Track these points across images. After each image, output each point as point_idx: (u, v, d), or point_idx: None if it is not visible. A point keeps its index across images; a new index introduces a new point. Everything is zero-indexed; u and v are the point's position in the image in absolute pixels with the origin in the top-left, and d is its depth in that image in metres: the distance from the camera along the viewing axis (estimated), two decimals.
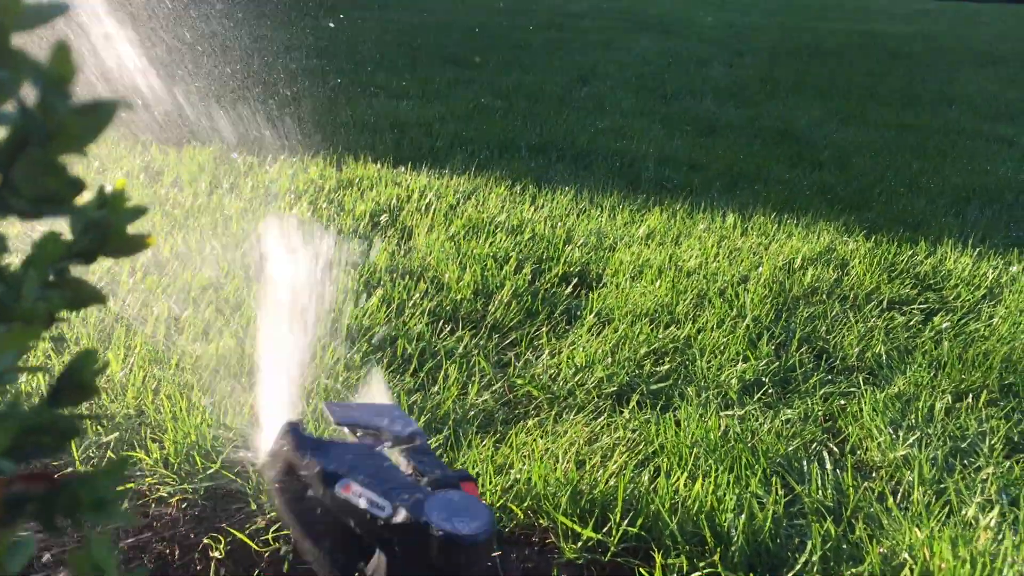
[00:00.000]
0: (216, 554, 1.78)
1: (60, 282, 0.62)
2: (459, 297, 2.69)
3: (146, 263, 2.76)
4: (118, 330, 2.32)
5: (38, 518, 0.51)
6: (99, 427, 1.94)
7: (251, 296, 2.56)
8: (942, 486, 1.93)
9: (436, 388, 2.20)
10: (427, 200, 3.54)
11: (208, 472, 1.83)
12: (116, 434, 1.93)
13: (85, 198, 0.63)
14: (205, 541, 1.79)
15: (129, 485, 1.85)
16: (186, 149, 3.96)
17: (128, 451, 1.89)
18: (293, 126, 4.61)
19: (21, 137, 0.47)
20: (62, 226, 0.61)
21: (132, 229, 0.67)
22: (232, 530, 1.77)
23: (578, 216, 3.54)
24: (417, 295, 2.67)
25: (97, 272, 2.65)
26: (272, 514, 1.77)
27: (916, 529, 1.73)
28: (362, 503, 1.04)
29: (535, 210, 3.56)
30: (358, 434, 1.25)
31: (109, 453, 1.89)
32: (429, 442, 1.30)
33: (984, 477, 1.97)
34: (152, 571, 1.87)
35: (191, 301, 2.51)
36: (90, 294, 0.64)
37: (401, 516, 1.00)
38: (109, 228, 0.63)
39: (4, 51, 0.45)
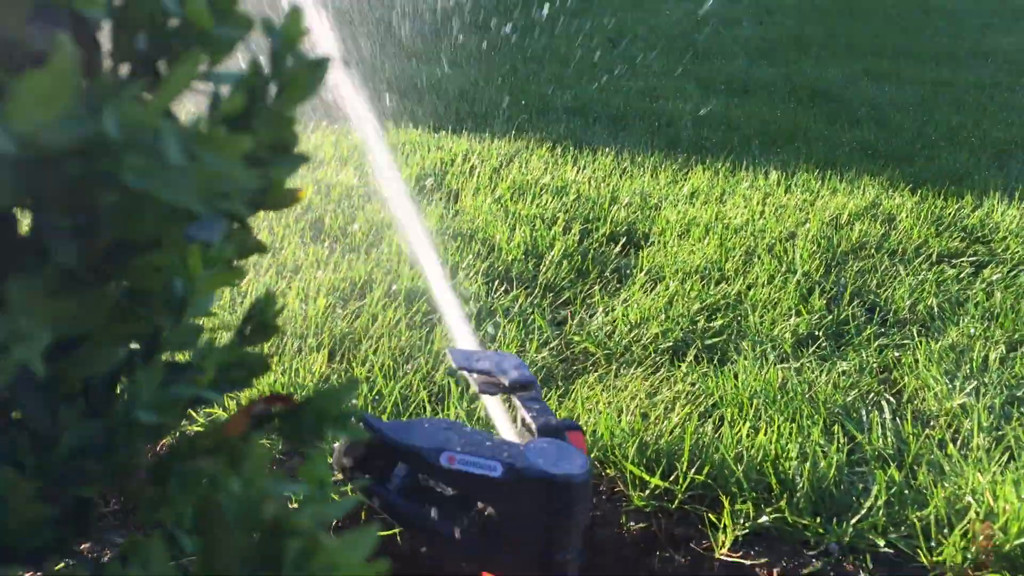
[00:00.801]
0: None
1: (232, 232, 0.66)
2: (510, 258, 2.73)
3: None
4: None
5: (282, 433, 0.55)
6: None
7: (308, 260, 2.62)
8: (1000, 433, 1.96)
9: (495, 346, 2.24)
10: (471, 163, 3.57)
11: None
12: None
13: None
14: None
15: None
16: None
17: (205, 407, 1.95)
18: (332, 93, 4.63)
19: (253, 90, 0.51)
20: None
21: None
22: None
23: (621, 176, 3.56)
24: (470, 256, 2.71)
25: None
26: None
27: (978, 474, 1.77)
28: (470, 469, 1.09)
29: (577, 171, 3.59)
30: (475, 378, 1.29)
31: (190, 411, 1.96)
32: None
33: None
34: None
35: (250, 266, 2.57)
36: (254, 244, 0.68)
37: (512, 471, 1.05)
38: (269, 181, 0.66)
39: (231, 12, 0.49)
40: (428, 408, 1.96)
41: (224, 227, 0.54)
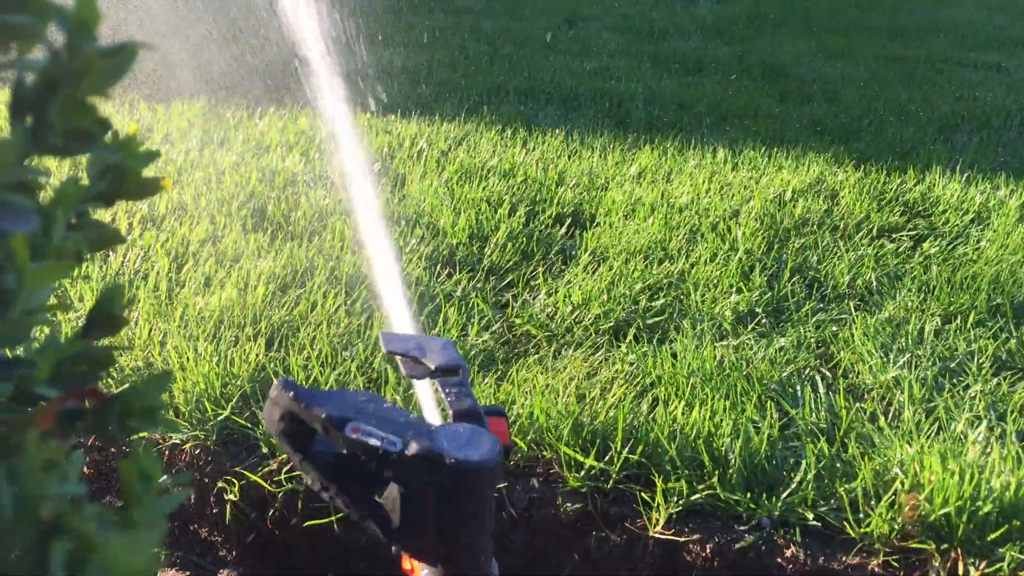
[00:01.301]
0: (231, 496, 1.84)
1: (82, 224, 0.65)
2: (455, 241, 2.73)
3: (144, 219, 2.78)
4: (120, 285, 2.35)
5: (92, 430, 0.55)
6: (110, 379, 1.98)
7: (248, 248, 2.59)
8: (932, 405, 1.99)
9: (436, 330, 2.24)
10: (418, 147, 3.55)
11: (219, 419, 1.88)
12: (126, 386, 1.97)
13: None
14: (220, 484, 1.85)
15: (143, 434, 1.90)
16: (174, 105, 3.96)
17: None
18: (279, 78, 4.59)
19: (51, 79, 0.50)
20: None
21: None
22: (245, 472, 1.82)
23: (569, 158, 3.56)
24: (414, 240, 2.70)
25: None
26: (283, 456, 1.83)
27: (907, 445, 1.79)
28: (373, 441, 1.08)
29: (526, 153, 3.58)
30: (400, 360, 1.29)
31: None
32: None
33: (973, 395, 2.03)
34: (169, 516, 1.93)
35: (190, 255, 2.54)
36: (110, 235, 0.67)
37: (413, 449, 1.05)
38: (125, 171, 0.66)
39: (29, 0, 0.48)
40: None
41: (35, 220, 0.53)
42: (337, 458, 1.21)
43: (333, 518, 1.77)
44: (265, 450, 1.85)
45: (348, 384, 1.97)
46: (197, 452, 1.88)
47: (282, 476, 1.80)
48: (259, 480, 1.81)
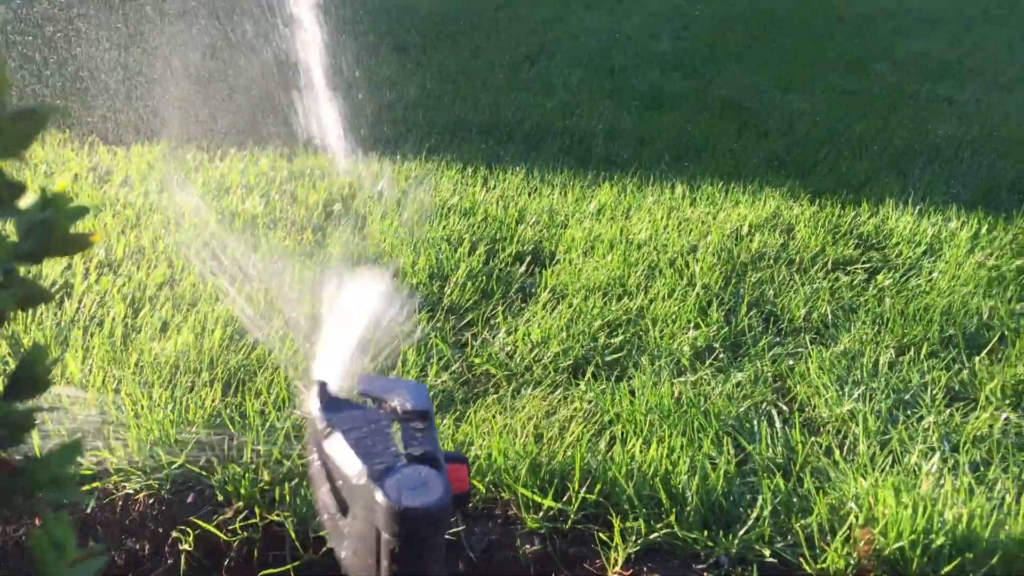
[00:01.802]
0: (186, 546, 1.81)
1: (8, 282, 0.65)
2: (415, 281, 2.73)
3: (100, 264, 2.76)
4: (75, 332, 2.32)
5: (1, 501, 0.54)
6: (62, 429, 1.96)
7: (207, 291, 2.58)
8: (886, 437, 2.01)
9: (394, 372, 2.24)
10: (380, 187, 3.56)
11: (173, 467, 1.86)
12: (79, 435, 1.95)
13: (29, 200, 0.66)
14: (174, 534, 1.82)
15: (95, 484, 1.87)
16: (134, 148, 3.94)
17: (91, 451, 1.91)
18: (241, 120, 4.59)
19: None
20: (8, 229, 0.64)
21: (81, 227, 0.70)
22: (200, 522, 1.80)
23: (530, 195, 3.58)
24: (373, 283, 2.69)
25: (51, 276, 2.65)
26: (239, 504, 1.81)
27: (861, 479, 1.81)
28: (339, 459, 1.09)
29: (487, 191, 3.60)
30: (369, 404, 1.29)
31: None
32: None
33: (926, 426, 2.05)
34: (123, 567, 1.90)
35: (147, 300, 2.52)
36: (39, 293, 0.67)
37: (363, 480, 1.05)
38: (53, 228, 0.66)
39: None
40: None
41: None
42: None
43: (290, 566, 1.75)
44: (220, 498, 1.83)
45: (304, 429, 1.96)
46: (151, 502, 1.85)
47: (237, 525, 1.78)
48: (214, 530, 1.79)
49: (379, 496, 1.03)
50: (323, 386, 1.21)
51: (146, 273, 2.67)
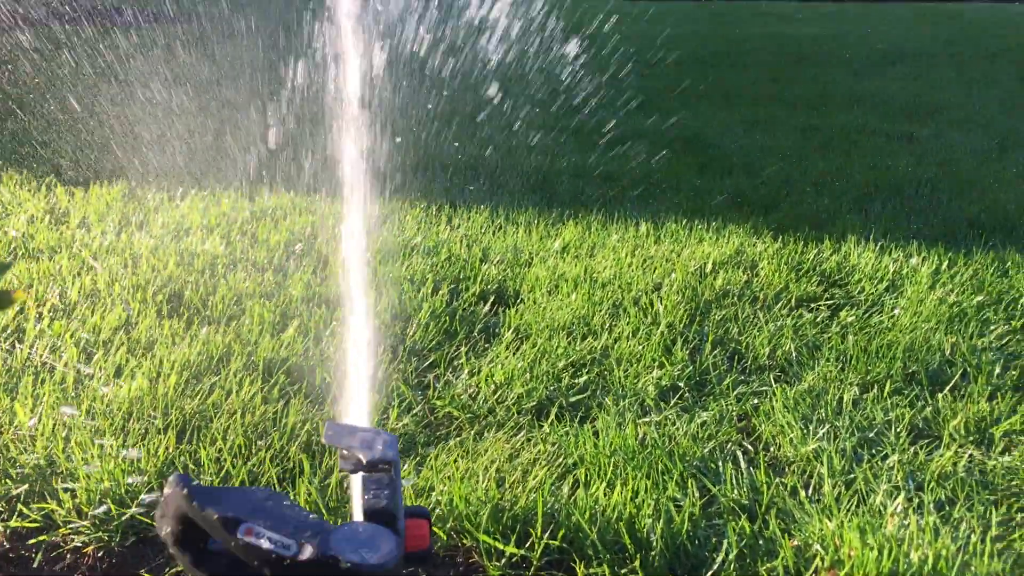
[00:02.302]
0: None
1: None
2: (376, 323, 2.69)
3: (54, 308, 2.70)
4: (25, 379, 2.26)
5: None
6: (7, 480, 1.89)
7: (163, 335, 2.53)
8: (851, 476, 1.99)
9: (352, 417, 2.19)
10: (342, 227, 3.53)
11: (123, 518, 1.80)
12: (26, 486, 1.88)
13: None
14: None
15: (42, 538, 1.81)
16: (92, 189, 3.89)
17: (39, 502, 1.84)
18: (205, 160, 4.55)
19: None
20: None
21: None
22: None
23: (494, 233, 3.57)
24: (335, 323, 2.66)
25: (2, 320, 2.58)
26: None
27: (827, 520, 1.79)
28: (266, 544, 1.04)
29: (451, 230, 3.58)
30: (339, 452, 1.25)
31: (20, 506, 1.84)
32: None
33: (891, 464, 2.04)
34: None
35: (100, 344, 2.47)
36: None
37: (307, 553, 1.01)
38: None
39: None
40: (279, 487, 1.89)
41: None
42: (235, 562, 1.15)
43: None
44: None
45: (260, 477, 1.91)
46: (100, 555, 1.79)
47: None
48: None
49: (344, 563, 0.99)
50: (187, 481, 1.13)
51: (101, 316, 2.61)
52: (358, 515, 1.36)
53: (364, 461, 1.23)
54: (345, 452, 1.26)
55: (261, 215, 3.65)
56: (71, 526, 1.80)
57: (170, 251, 3.15)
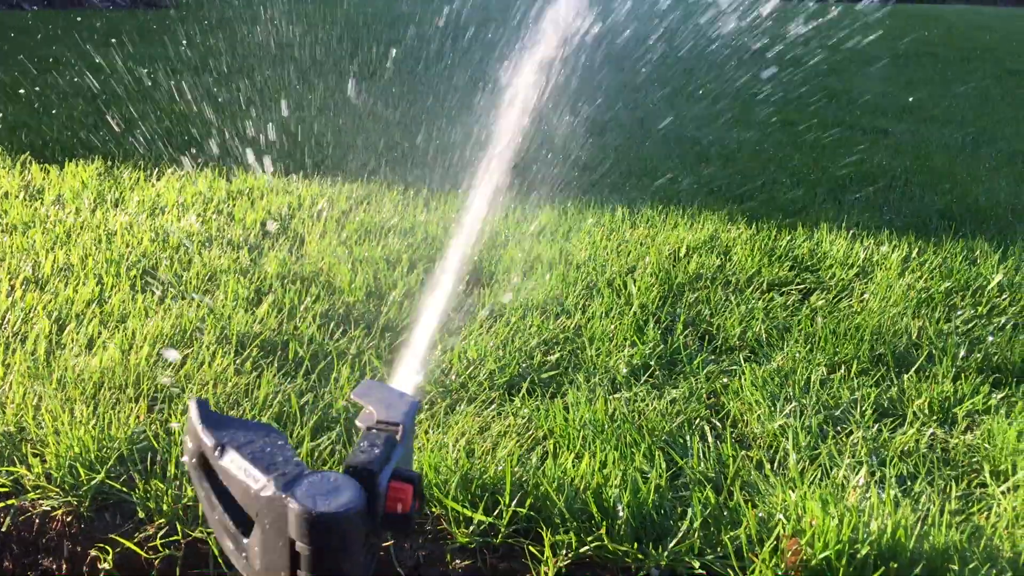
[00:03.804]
0: (105, 565, 1.75)
1: None
2: (352, 300, 2.70)
3: (27, 280, 2.69)
4: None
5: None
6: None
7: (136, 309, 2.53)
8: (816, 452, 2.02)
9: (327, 389, 2.20)
10: (319, 207, 3.53)
11: (93, 483, 1.80)
12: None
13: None
14: (93, 552, 1.77)
15: (11, 502, 1.81)
16: (68, 166, 3.86)
17: (8, 466, 1.84)
18: (181, 139, 4.54)
19: None
20: None
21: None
22: (121, 539, 1.74)
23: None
24: (309, 299, 2.66)
25: None
26: (160, 520, 1.76)
27: (790, 492, 1.82)
28: (240, 474, 1.06)
29: (427, 213, 3.59)
30: (363, 411, 1.26)
31: None
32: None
33: (855, 441, 2.07)
34: None
35: (73, 316, 2.46)
36: None
37: (269, 491, 1.02)
38: None
39: None
40: None
41: None
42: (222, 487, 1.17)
43: None
44: (142, 515, 1.78)
45: None
46: (69, 519, 1.79)
47: (158, 542, 1.73)
48: (135, 547, 1.74)
49: (292, 504, 1.00)
50: (203, 404, 1.17)
51: (74, 290, 2.61)
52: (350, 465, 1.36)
53: (375, 420, 1.24)
54: (367, 409, 1.27)
55: (238, 195, 3.64)
56: (40, 491, 1.81)
57: (144, 228, 3.15)
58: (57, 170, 3.84)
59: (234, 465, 1.07)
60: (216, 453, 1.08)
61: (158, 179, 3.81)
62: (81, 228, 3.14)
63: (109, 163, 3.98)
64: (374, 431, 1.21)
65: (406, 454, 1.21)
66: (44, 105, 5.20)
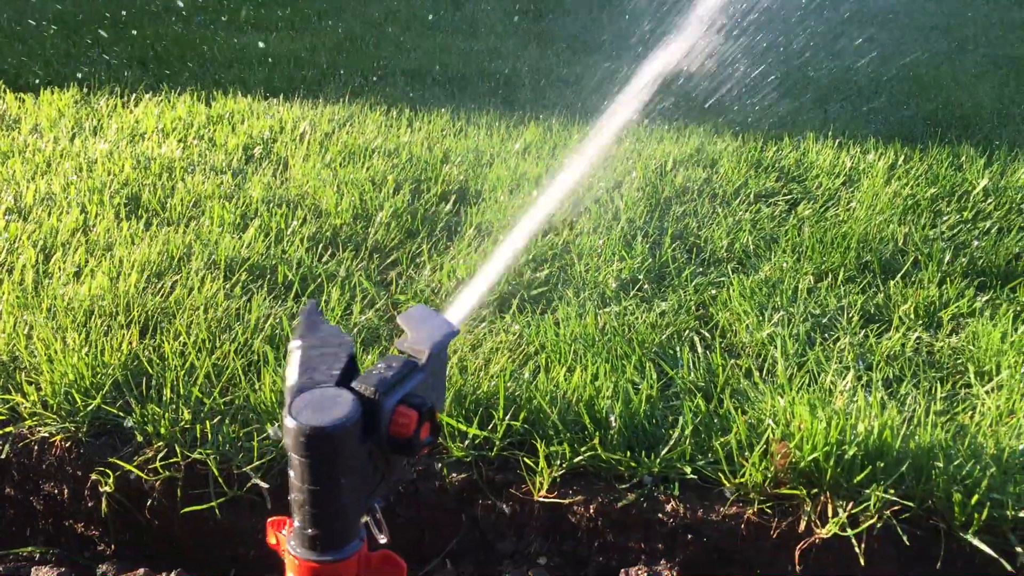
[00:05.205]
0: (106, 488, 1.78)
1: None
2: (338, 222, 2.69)
3: (8, 211, 2.66)
4: None
5: None
6: None
7: (122, 236, 2.51)
8: (804, 358, 2.05)
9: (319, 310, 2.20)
10: (301, 130, 3.49)
11: (89, 409, 1.82)
12: None
13: None
14: (93, 477, 1.79)
15: (9, 429, 1.82)
16: (43, 94, 3.79)
17: (3, 395, 1.85)
18: (158, 65, 4.45)
19: None
20: None
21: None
22: (120, 463, 1.77)
23: (455, 136, 3.55)
24: (296, 223, 2.65)
25: None
26: (159, 443, 1.77)
27: (779, 397, 1.85)
28: (291, 375, 1.09)
29: (412, 133, 3.55)
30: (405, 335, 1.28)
31: None
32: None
33: (842, 347, 2.10)
34: (42, 511, 1.87)
35: (59, 246, 2.44)
36: None
37: (287, 400, 1.04)
38: None
39: None
40: (243, 380, 1.91)
41: None
42: None
43: (214, 503, 1.73)
44: (140, 439, 1.79)
45: (224, 369, 1.93)
46: (68, 445, 1.81)
47: (158, 464, 1.75)
48: (135, 470, 1.76)
49: (284, 414, 1.02)
50: (315, 305, 1.21)
51: (57, 219, 2.59)
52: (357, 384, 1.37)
53: (406, 344, 1.24)
54: (406, 333, 1.27)
55: (218, 119, 3.59)
56: (37, 417, 1.82)
57: (125, 155, 3.11)
58: (32, 99, 3.77)
59: (291, 360, 1.11)
60: (290, 347, 1.13)
61: (136, 105, 3.75)
62: (61, 157, 3.10)
63: (85, 90, 3.91)
64: (396, 354, 1.22)
65: (434, 381, 1.21)
66: (15, 31, 5.07)
